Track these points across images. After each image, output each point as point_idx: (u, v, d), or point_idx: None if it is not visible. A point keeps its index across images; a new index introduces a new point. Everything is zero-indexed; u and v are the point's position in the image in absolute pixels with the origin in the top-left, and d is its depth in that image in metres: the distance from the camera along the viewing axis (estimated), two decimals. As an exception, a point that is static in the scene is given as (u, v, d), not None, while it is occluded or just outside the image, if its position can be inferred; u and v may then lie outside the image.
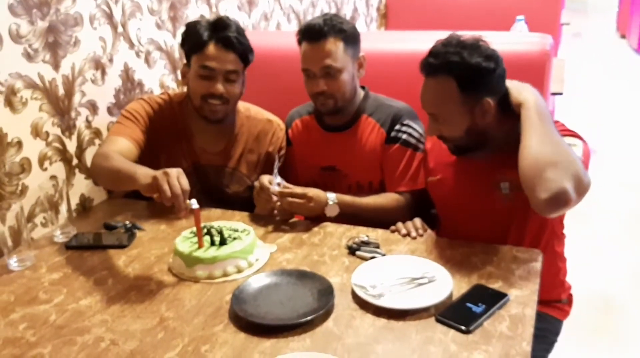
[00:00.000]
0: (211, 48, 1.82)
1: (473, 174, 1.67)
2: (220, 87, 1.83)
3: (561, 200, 1.36)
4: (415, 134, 1.90)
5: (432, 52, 1.56)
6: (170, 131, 1.93)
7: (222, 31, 1.82)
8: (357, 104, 1.95)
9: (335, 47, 1.80)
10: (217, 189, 1.98)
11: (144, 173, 1.52)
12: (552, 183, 1.36)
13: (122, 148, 1.78)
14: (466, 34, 1.58)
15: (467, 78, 1.52)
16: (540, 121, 1.47)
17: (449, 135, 1.61)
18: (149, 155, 1.88)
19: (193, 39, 1.85)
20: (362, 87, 1.99)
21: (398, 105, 1.95)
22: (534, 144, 1.43)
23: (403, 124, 1.89)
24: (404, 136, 1.89)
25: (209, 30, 1.83)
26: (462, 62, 1.51)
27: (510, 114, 1.57)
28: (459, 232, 1.69)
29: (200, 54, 1.82)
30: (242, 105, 2.04)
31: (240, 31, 1.87)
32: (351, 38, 1.84)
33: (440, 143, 1.72)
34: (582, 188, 1.39)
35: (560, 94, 3.37)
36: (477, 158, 1.67)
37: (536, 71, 2.03)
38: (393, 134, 1.90)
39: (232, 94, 1.87)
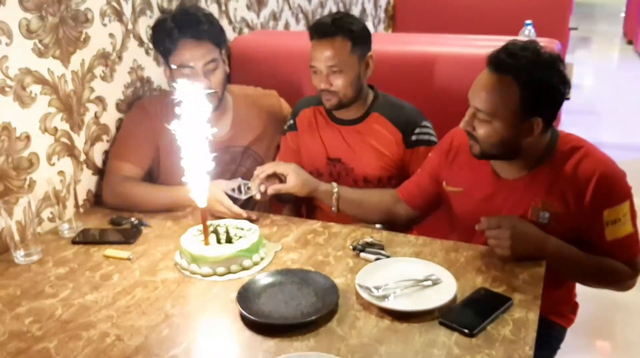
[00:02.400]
0: (183, 46, 1.83)
1: (506, 195, 1.60)
2: (204, 81, 1.84)
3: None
4: (432, 131, 1.95)
5: (508, 50, 1.46)
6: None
7: (189, 26, 1.82)
8: (367, 102, 1.96)
9: (342, 46, 1.81)
10: (232, 170, 2.00)
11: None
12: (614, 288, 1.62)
13: (124, 176, 1.89)
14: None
15: (533, 91, 1.44)
16: (565, 264, 1.56)
17: (483, 138, 1.50)
18: (156, 156, 1.91)
19: (163, 41, 1.86)
20: (372, 87, 2.00)
21: (408, 107, 1.97)
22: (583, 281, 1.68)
23: (421, 126, 1.92)
24: (426, 137, 1.93)
25: (177, 28, 1.83)
26: (535, 73, 1.43)
27: (545, 135, 1.55)
28: (476, 241, 1.66)
29: (175, 54, 1.84)
30: (237, 87, 2.10)
31: (208, 18, 1.88)
32: (360, 38, 1.85)
33: (465, 153, 1.65)
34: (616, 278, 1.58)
35: (568, 99, 3.36)
36: (510, 176, 1.60)
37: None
38: (414, 138, 1.91)
39: (217, 81, 1.89)
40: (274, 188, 1.80)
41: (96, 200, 1.99)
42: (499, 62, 1.46)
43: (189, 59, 1.83)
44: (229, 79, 2.02)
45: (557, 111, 1.52)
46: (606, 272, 1.56)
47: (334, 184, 1.88)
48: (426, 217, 1.90)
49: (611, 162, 1.55)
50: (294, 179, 1.81)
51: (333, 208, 1.87)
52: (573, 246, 1.54)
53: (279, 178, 1.83)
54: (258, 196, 1.79)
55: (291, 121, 2.09)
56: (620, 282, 1.59)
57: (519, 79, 1.44)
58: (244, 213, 1.76)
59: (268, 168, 1.82)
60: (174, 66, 1.86)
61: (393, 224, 1.83)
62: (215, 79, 1.88)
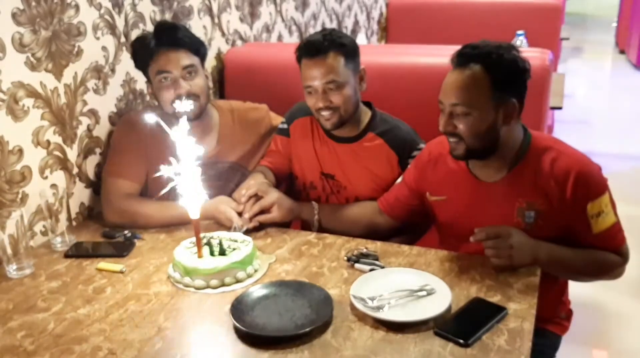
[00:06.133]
0: (161, 53, 1.84)
1: (489, 199, 1.63)
2: (184, 85, 1.85)
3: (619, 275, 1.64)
4: None
5: (469, 45, 1.55)
6: (159, 142, 1.91)
7: (166, 34, 1.85)
8: (364, 121, 1.95)
9: (337, 61, 1.80)
10: (219, 186, 1.99)
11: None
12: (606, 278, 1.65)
13: (125, 193, 1.88)
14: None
15: (502, 73, 1.50)
16: (559, 267, 1.59)
17: (466, 131, 1.53)
18: (149, 169, 1.91)
19: (142, 52, 1.87)
20: (369, 106, 1.98)
21: (405, 128, 1.96)
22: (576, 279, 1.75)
23: (418, 149, 1.89)
24: None
25: (154, 38, 1.85)
26: (499, 56, 1.51)
27: (518, 127, 1.59)
28: (462, 251, 1.66)
29: (153, 63, 1.85)
30: (223, 102, 2.09)
31: (184, 28, 1.91)
32: (351, 52, 1.84)
33: (445, 161, 1.69)
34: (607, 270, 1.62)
35: (560, 108, 3.39)
36: (489, 179, 1.63)
37: (536, 85, 2.02)
38: (410, 161, 1.88)
39: (198, 87, 1.88)
40: (259, 219, 1.81)
41: (89, 213, 1.98)
42: (464, 56, 1.53)
43: (166, 64, 1.82)
44: (221, 93, 2.02)
45: (525, 93, 1.57)
46: (598, 265, 1.60)
47: (315, 204, 1.91)
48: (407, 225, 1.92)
49: (585, 158, 1.59)
50: (278, 212, 1.83)
51: (313, 228, 1.89)
52: (562, 246, 1.56)
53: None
54: (250, 226, 1.80)
55: (285, 126, 2.07)
56: (611, 272, 1.63)
57: (487, 64, 1.50)
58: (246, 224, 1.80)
59: (251, 191, 1.82)
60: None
61: (375, 235, 1.84)
62: (194, 83, 1.87)
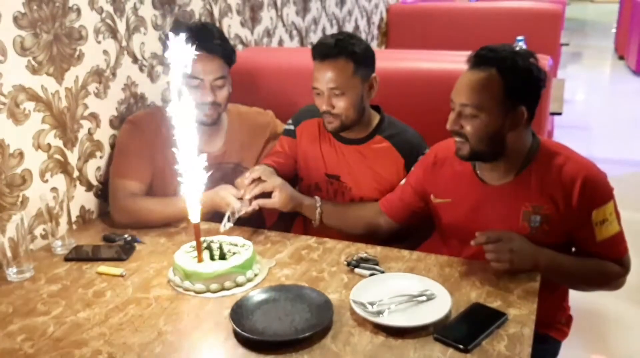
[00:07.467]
0: (198, 57, 1.82)
1: (495, 202, 1.63)
2: (210, 95, 1.87)
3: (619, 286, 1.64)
4: None
5: (487, 47, 1.54)
6: (164, 142, 1.92)
7: (205, 40, 1.83)
8: (372, 124, 1.95)
9: (344, 68, 1.80)
10: None
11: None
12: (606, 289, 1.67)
13: (131, 193, 1.88)
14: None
15: (515, 79, 1.50)
16: (559, 273, 1.58)
17: (472, 133, 1.53)
18: (154, 169, 1.91)
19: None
20: (378, 109, 1.99)
21: (412, 132, 1.97)
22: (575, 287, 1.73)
23: (424, 154, 1.88)
24: None
25: (192, 40, 1.83)
26: (514, 62, 1.50)
27: (527, 133, 1.59)
28: (465, 254, 1.67)
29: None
30: (231, 105, 2.10)
31: (222, 36, 1.92)
32: (362, 59, 1.83)
33: (452, 163, 1.69)
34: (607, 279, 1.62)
35: (560, 114, 3.39)
36: (495, 182, 1.63)
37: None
38: None
39: (222, 97, 1.92)
40: (258, 202, 1.80)
41: (89, 217, 1.98)
42: (480, 58, 1.54)
43: (199, 71, 1.83)
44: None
45: (537, 102, 1.56)
46: (598, 274, 1.60)
47: (318, 198, 1.90)
48: (406, 228, 1.91)
49: (592, 165, 1.59)
50: (279, 196, 1.81)
51: (314, 222, 1.88)
52: (564, 253, 1.57)
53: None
54: (249, 209, 1.79)
55: (291, 127, 2.07)
56: (611, 282, 1.63)
57: (501, 69, 1.50)
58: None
59: (255, 174, 1.82)
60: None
61: (375, 236, 1.84)
62: (220, 95, 1.90)
